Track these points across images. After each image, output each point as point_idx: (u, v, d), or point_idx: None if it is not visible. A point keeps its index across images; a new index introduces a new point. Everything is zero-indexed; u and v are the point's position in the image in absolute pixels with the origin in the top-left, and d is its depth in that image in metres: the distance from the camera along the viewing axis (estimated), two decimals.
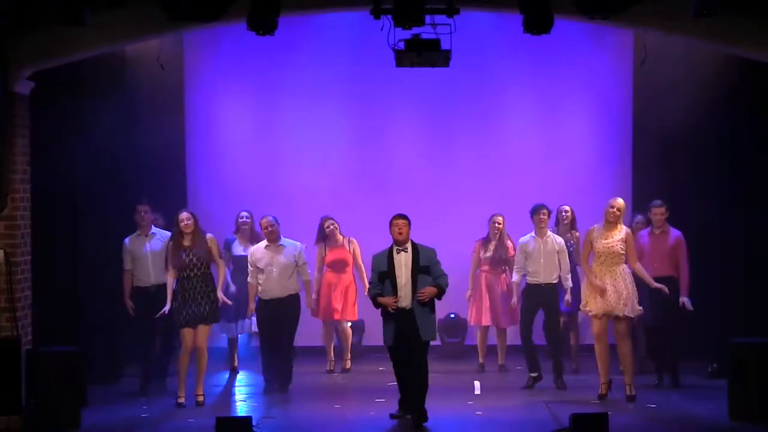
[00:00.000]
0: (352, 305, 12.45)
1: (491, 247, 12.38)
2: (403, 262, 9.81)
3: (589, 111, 13.85)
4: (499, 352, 12.57)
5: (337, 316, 12.45)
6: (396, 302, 9.74)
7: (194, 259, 10.64)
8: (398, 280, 9.78)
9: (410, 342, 9.80)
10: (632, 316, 10.71)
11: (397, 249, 9.86)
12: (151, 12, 9.54)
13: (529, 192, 13.14)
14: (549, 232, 11.65)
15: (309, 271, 11.63)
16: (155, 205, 11.84)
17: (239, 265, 12.12)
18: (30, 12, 9.75)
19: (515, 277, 11.83)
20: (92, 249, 11.73)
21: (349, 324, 12.63)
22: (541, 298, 11.51)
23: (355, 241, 12.40)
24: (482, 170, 13.76)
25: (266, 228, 11.29)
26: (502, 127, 13.84)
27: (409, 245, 9.88)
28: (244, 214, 12.36)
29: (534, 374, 11.48)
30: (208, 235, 10.83)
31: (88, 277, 11.68)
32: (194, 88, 13.84)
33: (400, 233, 9.82)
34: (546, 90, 13.78)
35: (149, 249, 11.34)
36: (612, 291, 10.61)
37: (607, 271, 10.67)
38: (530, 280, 11.58)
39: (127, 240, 11.47)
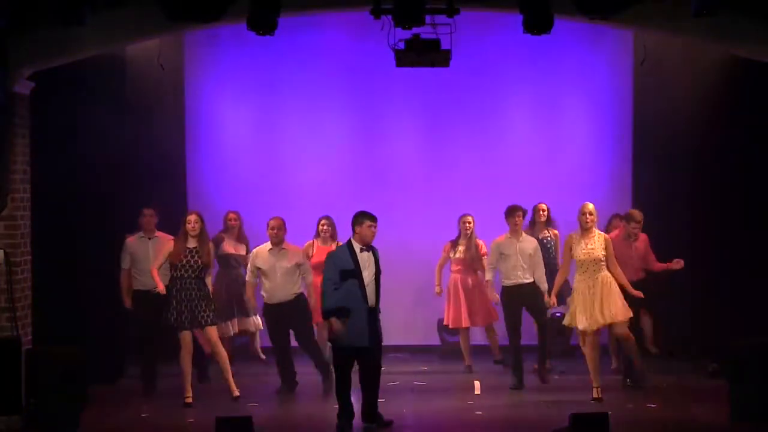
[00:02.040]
0: None
1: (461, 248, 12.37)
2: (366, 261, 9.69)
3: (589, 111, 13.85)
4: (492, 348, 12.57)
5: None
6: (343, 332, 9.54)
7: (192, 261, 10.65)
8: (365, 280, 9.64)
9: (374, 341, 9.71)
10: (623, 320, 10.68)
11: (360, 248, 9.73)
12: (151, 12, 9.54)
13: (529, 191, 13.14)
14: (523, 233, 11.66)
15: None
16: (155, 206, 11.85)
17: (226, 263, 12.33)
18: (30, 12, 9.75)
19: (488, 276, 11.81)
20: (92, 249, 11.73)
21: None
22: (522, 298, 11.48)
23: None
24: (482, 170, 13.75)
25: (272, 229, 11.31)
26: (502, 127, 13.84)
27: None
28: (232, 215, 12.48)
29: (516, 382, 11.43)
30: (210, 244, 10.91)
31: (88, 277, 11.68)
32: (194, 88, 13.83)
33: (374, 235, 9.74)
34: (546, 90, 13.78)
35: (152, 252, 11.34)
36: (594, 303, 10.59)
37: (590, 279, 10.64)
38: (508, 282, 11.53)
39: (129, 240, 11.47)
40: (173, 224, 12.14)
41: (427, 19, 9.54)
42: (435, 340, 13.58)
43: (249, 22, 9.42)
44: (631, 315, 10.76)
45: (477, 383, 11.76)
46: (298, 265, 11.35)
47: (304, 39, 13.50)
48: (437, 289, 12.57)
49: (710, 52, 11.83)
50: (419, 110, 13.89)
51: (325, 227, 12.27)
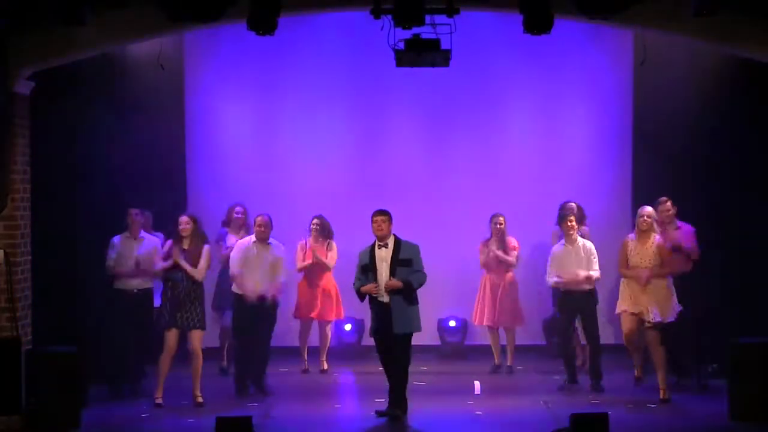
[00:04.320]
0: (336, 305, 12.45)
1: (493, 247, 12.34)
2: (383, 257, 10.00)
3: (589, 111, 13.83)
4: (508, 353, 12.49)
5: (314, 315, 12.43)
6: (377, 288, 9.92)
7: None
8: (378, 275, 9.97)
9: (387, 335, 9.97)
10: (663, 320, 10.71)
11: (378, 244, 10.05)
12: (151, 12, 9.55)
13: (529, 192, 13.17)
14: (579, 238, 11.50)
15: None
16: (155, 206, 11.83)
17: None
18: (30, 12, 9.76)
19: (551, 281, 11.58)
20: (92, 249, 11.72)
21: (329, 325, 12.63)
22: (576, 305, 11.39)
23: (334, 245, 12.36)
24: (482, 170, 13.74)
25: (260, 226, 11.29)
26: (502, 127, 13.83)
27: (390, 240, 10.06)
28: (239, 209, 12.42)
29: (571, 383, 11.40)
30: (206, 247, 10.79)
31: (88, 277, 11.67)
32: (194, 89, 13.81)
33: (380, 229, 10.03)
34: (546, 90, 13.76)
35: (136, 253, 11.33)
36: (648, 297, 10.69)
37: (643, 285, 10.72)
38: (564, 287, 11.47)
39: (117, 239, 11.39)
40: (173, 224, 12.13)
41: (427, 19, 9.54)
42: (435, 340, 13.57)
43: (249, 22, 9.42)
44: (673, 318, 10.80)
45: (477, 383, 11.75)
46: (275, 263, 11.28)
47: (304, 39, 13.49)
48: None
49: (710, 52, 11.82)
50: (419, 110, 13.87)
51: (315, 226, 12.28)
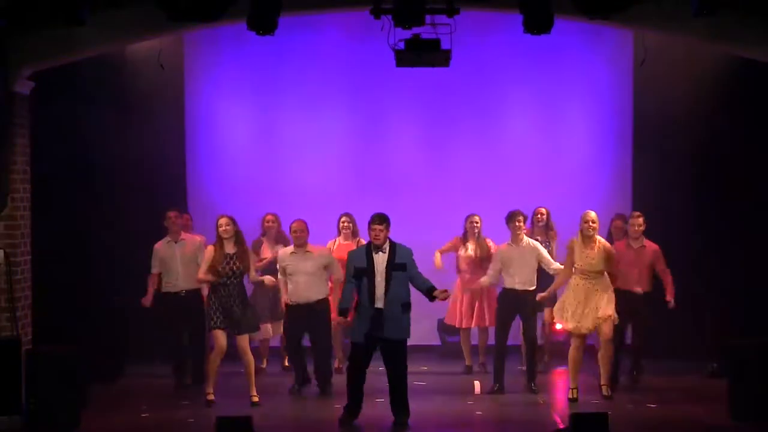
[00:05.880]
0: None
1: (471, 246, 12.26)
2: (380, 261, 9.83)
3: (589, 111, 13.84)
4: (480, 351, 12.48)
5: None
6: (345, 322, 9.94)
7: (234, 267, 10.51)
8: (376, 280, 9.79)
9: (382, 341, 9.81)
10: (609, 320, 10.65)
11: (375, 249, 9.87)
12: (151, 12, 9.55)
13: (529, 191, 13.15)
14: (525, 238, 11.44)
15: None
16: (156, 206, 11.83)
17: (265, 266, 12.11)
18: (30, 12, 9.77)
19: (485, 281, 11.58)
20: (92, 248, 11.74)
21: None
22: (517, 304, 11.30)
23: (363, 241, 12.34)
24: (482, 170, 13.75)
25: (295, 232, 11.23)
26: (502, 127, 13.84)
27: (387, 245, 9.88)
28: (270, 217, 12.41)
29: (499, 390, 11.26)
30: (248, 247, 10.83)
31: (88, 277, 11.69)
32: (194, 88, 13.82)
33: (377, 238, 9.84)
34: (546, 90, 13.77)
35: (179, 254, 11.30)
36: (585, 309, 10.60)
37: (587, 285, 10.64)
38: (507, 285, 11.36)
39: (157, 245, 11.37)
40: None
41: (427, 19, 9.55)
42: (435, 340, 13.57)
43: (249, 22, 9.42)
44: (617, 323, 10.73)
45: (477, 383, 11.75)
46: (325, 267, 11.27)
47: (304, 39, 13.50)
48: (438, 263, 12.19)
49: (710, 52, 11.83)
50: (419, 110, 13.88)
51: (345, 224, 12.21)
